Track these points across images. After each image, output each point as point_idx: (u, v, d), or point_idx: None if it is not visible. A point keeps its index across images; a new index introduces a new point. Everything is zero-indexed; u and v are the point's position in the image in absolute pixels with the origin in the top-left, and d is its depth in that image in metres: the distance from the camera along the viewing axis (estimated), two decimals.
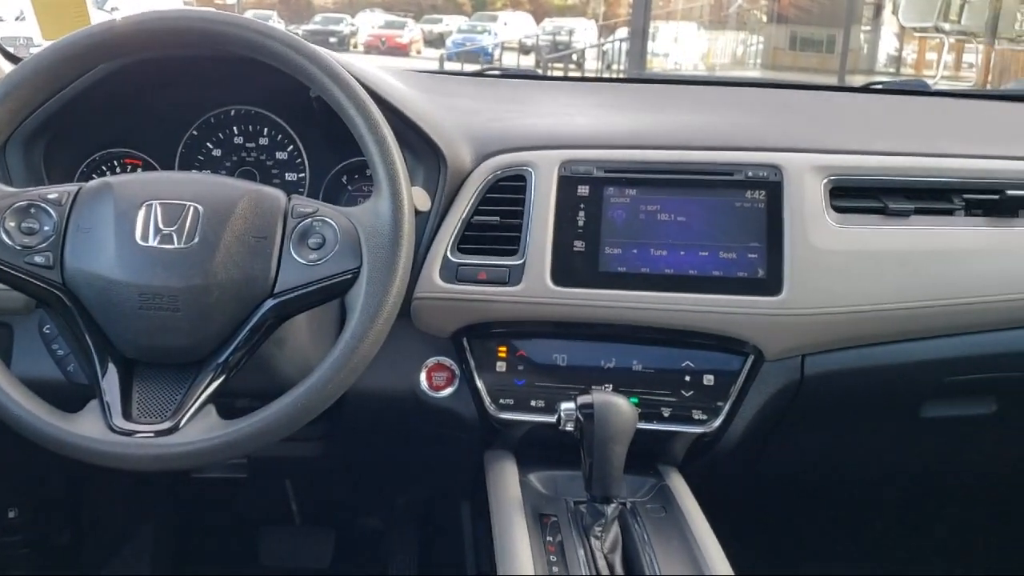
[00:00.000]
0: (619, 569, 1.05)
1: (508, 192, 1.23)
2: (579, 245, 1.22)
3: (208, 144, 1.35)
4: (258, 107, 1.35)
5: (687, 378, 1.23)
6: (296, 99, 1.20)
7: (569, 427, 1.09)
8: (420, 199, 1.08)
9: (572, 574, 1.02)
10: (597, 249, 1.22)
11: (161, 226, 0.98)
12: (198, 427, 0.96)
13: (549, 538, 1.09)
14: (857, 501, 1.82)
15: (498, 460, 1.26)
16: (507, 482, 1.19)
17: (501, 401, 1.24)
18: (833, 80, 11.04)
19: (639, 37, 10.22)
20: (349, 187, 1.35)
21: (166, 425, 0.95)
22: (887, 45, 13.12)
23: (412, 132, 1.20)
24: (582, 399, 1.08)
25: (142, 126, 1.33)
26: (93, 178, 1.16)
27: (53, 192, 1.01)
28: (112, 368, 0.98)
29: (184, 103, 1.34)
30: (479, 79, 1.85)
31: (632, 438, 1.06)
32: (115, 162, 1.35)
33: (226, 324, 0.98)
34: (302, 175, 1.36)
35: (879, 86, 1.93)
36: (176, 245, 0.97)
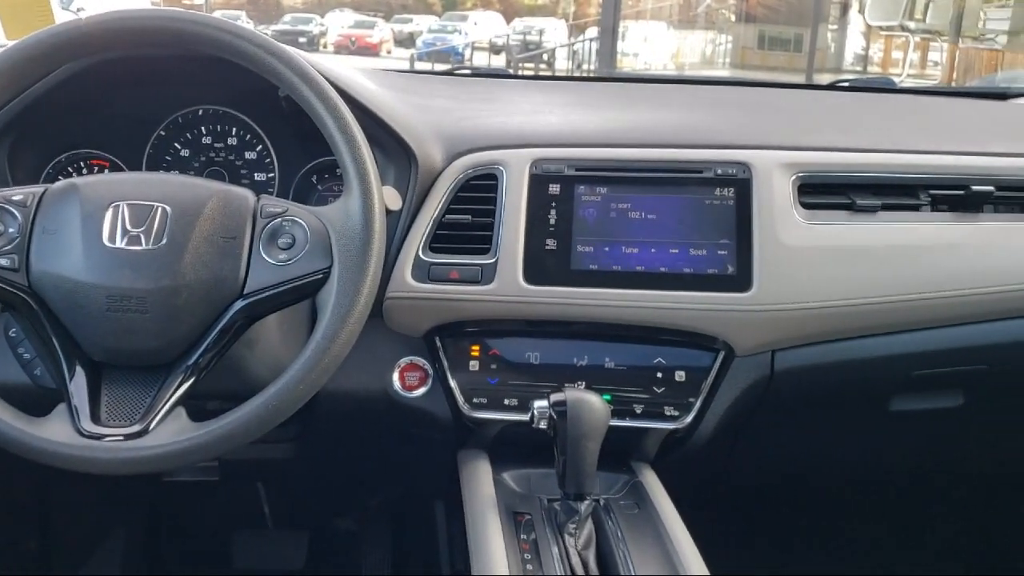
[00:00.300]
0: (593, 566, 1.05)
1: (480, 191, 1.23)
2: (551, 243, 1.22)
3: (176, 144, 1.34)
4: (227, 107, 1.34)
5: (659, 375, 1.24)
6: (265, 98, 1.19)
7: (542, 425, 1.10)
8: (391, 198, 1.08)
9: (546, 572, 1.02)
10: (569, 247, 1.22)
11: (129, 227, 0.97)
12: (168, 430, 0.95)
13: (523, 536, 1.09)
14: (829, 496, 1.84)
15: (472, 459, 1.25)
16: (481, 481, 1.19)
17: (474, 400, 1.24)
18: (801, 79, 11.13)
19: (609, 36, 10.25)
20: (319, 187, 1.35)
21: (136, 428, 0.94)
22: (854, 44, 13.24)
23: (382, 131, 1.19)
24: (555, 397, 1.08)
25: (109, 127, 1.32)
26: (59, 179, 1.15)
27: (18, 194, 1.00)
28: (80, 371, 0.97)
29: (151, 103, 1.32)
30: (450, 78, 1.85)
31: (605, 435, 1.07)
32: (81, 163, 1.33)
33: (195, 326, 0.98)
34: (271, 175, 1.35)
35: (846, 84, 1.96)
36: (144, 246, 0.96)
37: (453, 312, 1.23)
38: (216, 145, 1.35)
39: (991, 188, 1.31)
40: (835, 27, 13.26)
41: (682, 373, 1.24)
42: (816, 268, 1.23)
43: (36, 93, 1.20)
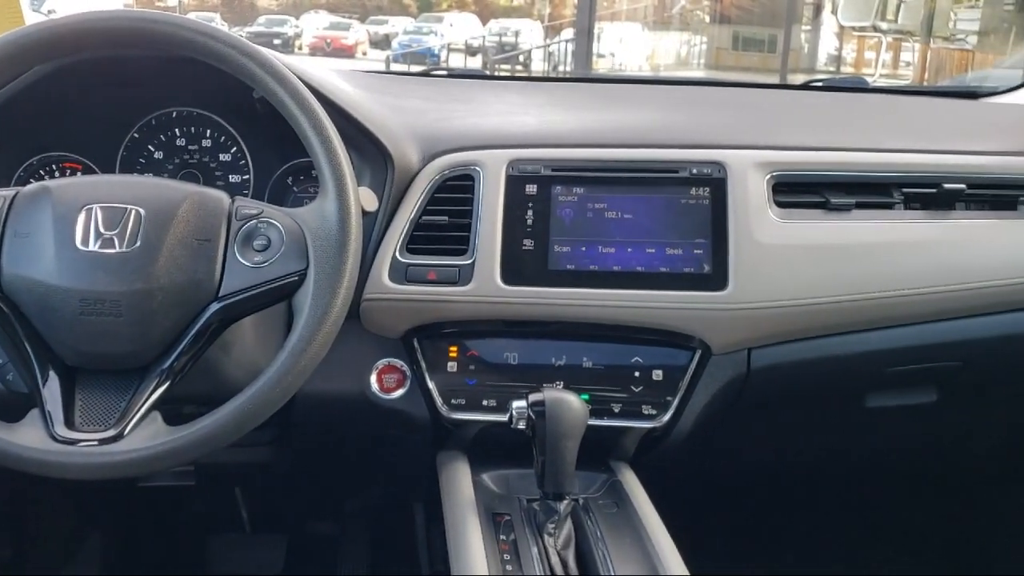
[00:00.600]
0: (572, 566, 1.05)
1: (456, 192, 1.23)
2: (528, 244, 1.22)
3: (150, 147, 1.33)
4: (200, 109, 1.33)
5: (636, 374, 1.24)
6: (239, 100, 1.18)
7: (521, 425, 1.10)
8: (367, 199, 1.07)
9: (526, 573, 1.02)
10: (546, 247, 1.22)
11: (102, 230, 0.96)
12: (143, 434, 0.94)
13: (503, 537, 1.09)
14: (806, 493, 1.85)
15: (451, 461, 1.25)
16: (460, 482, 1.19)
17: (453, 401, 1.24)
18: (775, 79, 11.20)
19: (584, 37, 10.27)
20: (295, 188, 1.34)
21: (110, 433, 0.93)
22: (827, 44, 13.34)
23: (358, 132, 1.19)
24: (533, 397, 1.08)
25: (81, 129, 1.31)
26: (31, 182, 1.13)
27: None
28: (53, 376, 0.96)
29: (124, 105, 1.31)
30: (426, 79, 1.85)
31: (583, 434, 1.07)
32: (53, 166, 1.32)
33: (170, 329, 0.97)
34: (246, 177, 1.34)
35: (819, 84, 1.97)
36: (117, 249, 0.95)
37: (431, 313, 1.22)
38: (190, 147, 1.34)
39: (962, 186, 1.32)
40: (808, 28, 13.35)
41: (659, 372, 1.25)
42: (791, 266, 1.24)
43: (6, 95, 1.19)
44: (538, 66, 15.00)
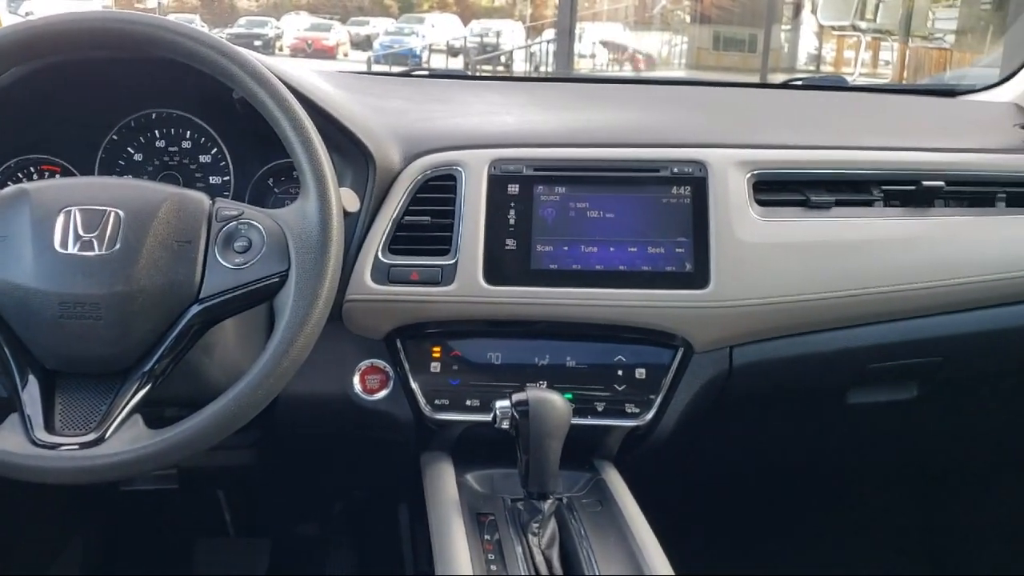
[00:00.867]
0: (556, 565, 1.05)
1: (438, 192, 1.23)
2: (511, 243, 1.22)
3: (129, 148, 1.32)
4: (180, 110, 1.32)
5: (619, 372, 1.25)
6: (219, 101, 1.18)
7: (505, 425, 1.10)
8: (349, 200, 1.07)
9: (510, 572, 1.02)
10: (528, 247, 1.22)
11: (81, 232, 0.95)
12: (124, 437, 0.93)
13: (487, 537, 1.09)
14: (788, 489, 1.86)
15: (435, 461, 1.25)
16: (444, 483, 1.19)
17: (436, 402, 1.24)
18: (755, 78, 11.25)
19: (565, 37, 10.29)
20: (276, 189, 1.33)
21: (91, 437, 0.93)
22: (807, 44, 13.41)
23: (339, 132, 1.19)
24: (517, 396, 1.08)
25: (59, 131, 1.30)
26: (8, 185, 1.12)
27: None
28: (32, 379, 0.95)
29: (103, 107, 1.30)
30: (407, 79, 1.84)
31: (567, 433, 1.07)
32: (31, 168, 1.31)
33: (151, 331, 0.96)
34: (227, 178, 1.33)
35: (799, 83, 1.98)
36: (97, 252, 0.94)
37: (413, 314, 1.22)
38: (170, 149, 1.33)
39: (941, 183, 1.33)
40: (788, 27, 13.42)
41: (642, 370, 1.25)
42: (772, 264, 1.25)
43: None
44: (520, 67, 15.00)
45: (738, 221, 1.24)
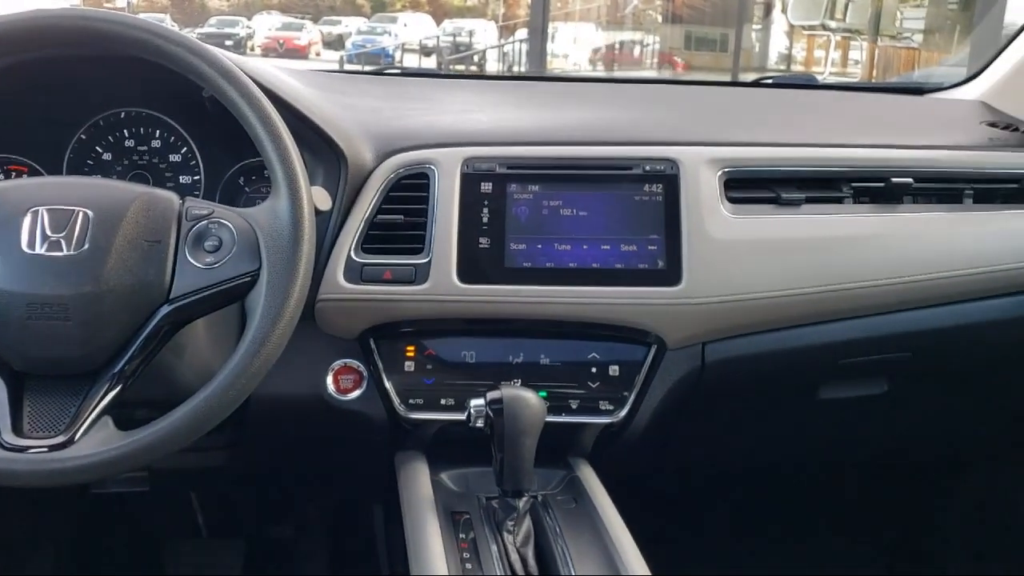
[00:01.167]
0: (532, 563, 1.05)
1: (411, 190, 1.23)
2: (484, 242, 1.22)
3: (97, 148, 1.31)
4: (150, 109, 1.31)
5: (593, 370, 1.25)
6: (189, 100, 1.17)
7: (479, 423, 1.10)
8: (320, 198, 1.07)
9: (485, 571, 1.02)
10: (502, 245, 1.22)
11: (49, 233, 0.94)
12: (94, 440, 0.92)
13: (462, 535, 1.09)
14: (762, 484, 1.87)
15: (409, 461, 1.25)
16: (418, 482, 1.19)
17: (410, 401, 1.24)
18: (727, 78, 11.31)
19: (538, 36, 10.30)
20: (247, 189, 1.32)
21: (60, 439, 0.91)
22: (778, 43, 13.52)
23: (310, 131, 1.18)
24: (491, 395, 1.08)
25: (26, 130, 1.28)
26: None
27: None
28: (0, 382, 0.94)
29: (71, 106, 1.29)
30: (379, 78, 1.84)
31: (541, 431, 1.07)
32: None
33: (120, 332, 0.95)
34: (197, 177, 1.32)
35: (770, 81, 2.00)
36: (65, 252, 0.93)
37: (387, 313, 1.22)
38: (139, 148, 1.32)
39: (910, 180, 1.34)
40: (759, 27, 13.52)
41: (616, 367, 1.25)
42: (743, 261, 1.26)
43: None
44: (493, 66, 15.01)
45: (709, 218, 1.25)
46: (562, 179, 1.25)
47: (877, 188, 1.35)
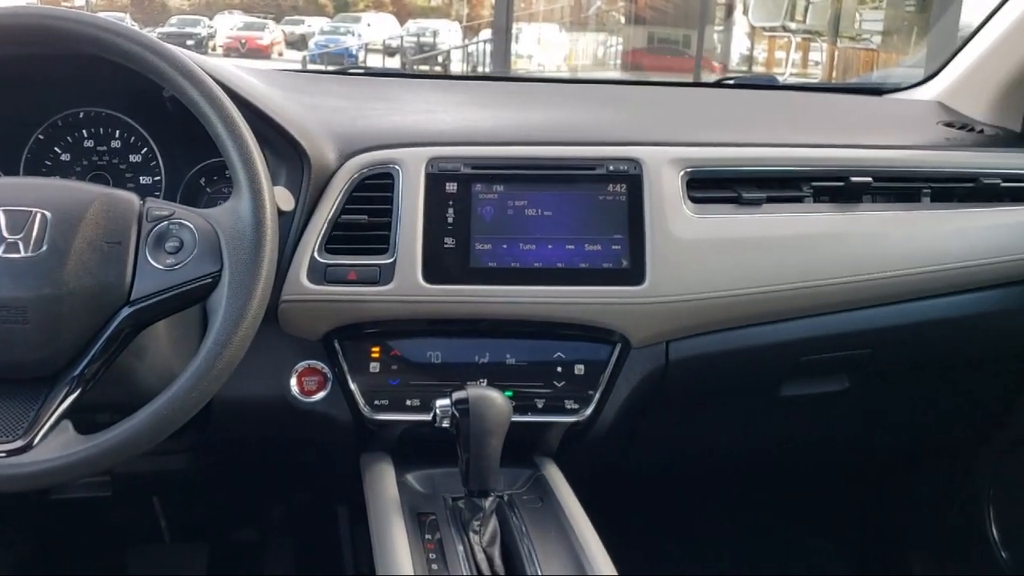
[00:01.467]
0: (498, 562, 1.05)
1: (375, 190, 1.22)
2: (449, 242, 1.22)
3: (56, 148, 1.29)
4: (109, 109, 1.29)
5: (559, 369, 1.25)
6: (149, 100, 1.16)
7: (445, 424, 1.09)
8: (283, 199, 1.06)
9: (451, 571, 1.02)
10: (467, 245, 1.22)
11: (5, 234, 0.93)
12: (53, 444, 0.91)
13: (428, 536, 1.09)
14: (726, 483, 1.89)
15: (374, 462, 1.24)
16: (384, 483, 1.18)
17: (376, 402, 1.23)
18: (689, 79, 11.40)
19: (502, 36, 10.31)
20: (208, 189, 1.31)
21: (18, 444, 0.90)
22: (739, 45, 13.64)
23: (272, 130, 1.17)
24: (457, 395, 1.08)
25: None
26: None
27: None
28: None
29: (28, 105, 1.27)
30: (342, 77, 1.83)
31: (507, 431, 1.07)
32: None
33: (80, 335, 0.94)
34: (157, 178, 1.31)
35: (731, 82, 2.02)
36: (23, 254, 0.92)
37: (351, 314, 1.21)
38: (99, 148, 1.30)
39: (869, 179, 1.36)
40: (721, 28, 13.64)
41: (581, 366, 1.26)
42: (706, 260, 1.27)
43: None
44: (457, 66, 15.00)
45: (672, 218, 1.26)
46: (527, 179, 1.25)
47: (837, 187, 1.36)
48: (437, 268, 1.21)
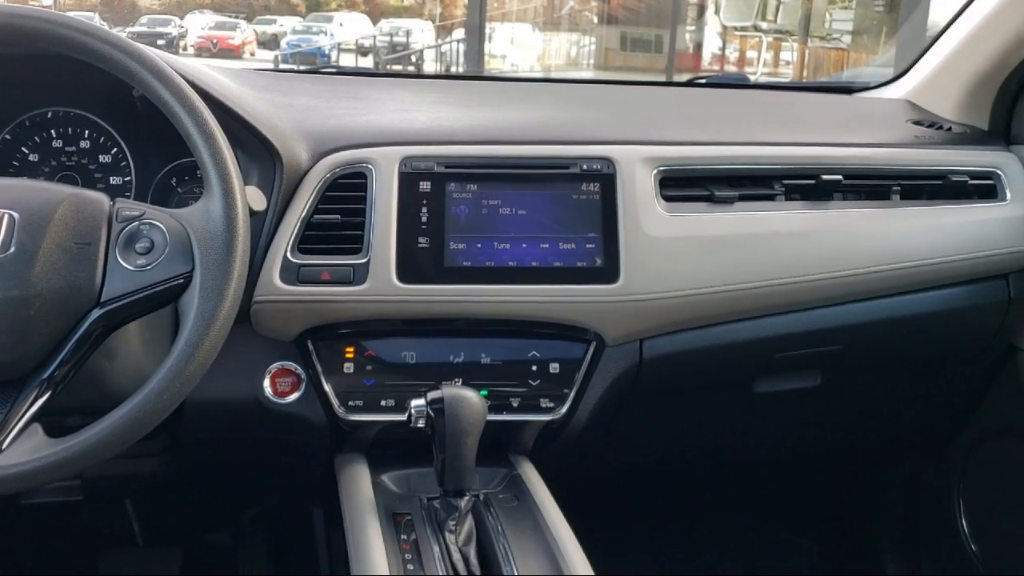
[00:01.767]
0: (474, 562, 1.05)
1: (348, 190, 1.22)
2: (423, 241, 1.22)
3: (23, 149, 1.27)
4: (78, 108, 1.28)
5: (534, 367, 1.25)
6: (119, 99, 1.15)
7: (420, 424, 1.09)
8: (255, 198, 1.05)
9: (427, 571, 1.02)
10: (441, 245, 1.22)
11: None
12: (23, 448, 0.90)
13: (404, 536, 1.08)
14: (700, 477, 1.90)
15: (349, 463, 1.24)
16: (359, 484, 1.18)
17: (350, 403, 1.23)
18: (662, 78, 11.45)
19: (475, 35, 10.30)
20: (179, 189, 1.30)
21: None
22: (711, 44, 13.72)
23: (243, 129, 1.16)
24: (432, 395, 1.08)
25: None
26: None
27: None
28: None
29: None
30: (315, 76, 1.82)
31: (483, 430, 1.07)
32: None
33: (50, 337, 0.93)
34: (128, 178, 1.29)
35: (703, 81, 2.02)
36: None
37: (325, 314, 1.21)
38: (68, 149, 1.28)
39: (839, 177, 1.38)
40: (693, 28, 13.71)
41: (556, 365, 1.26)
42: (679, 258, 1.27)
43: None
44: (430, 66, 14.98)
45: (645, 216, 1.26)
46: (501, 178, 1.25)
47: (808, 185, 1.37)
48: (411, 268, 1.20)
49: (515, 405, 1.24)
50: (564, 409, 1.26)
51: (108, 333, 0.96)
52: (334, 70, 1.89)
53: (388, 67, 14.75)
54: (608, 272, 1.24)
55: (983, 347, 1.57)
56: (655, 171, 1.30)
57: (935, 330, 1.48)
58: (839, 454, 1.88)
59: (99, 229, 0.96)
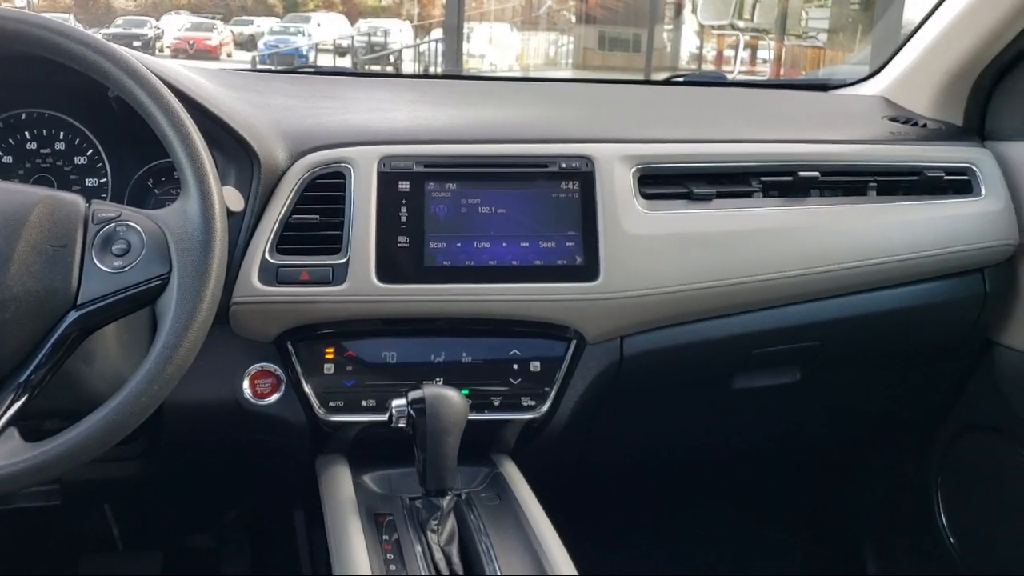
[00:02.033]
0: (456, 561, 1.05)
1: (327, 190, 1.21)
2: (403, 241, 1.21)
3: None
4: (52, 110, 1.27)
5: (515, 366, 1.25)
6: (94, 100, 1.14)
7: (401, 424, 1.09)
8: (232, 199, 1.04)
9: (409, 571, 1.02)
10: (421, 244, 1.22)
11: None
12: None
13: (385, 537, 1.08)
14: (681, 477, 1.91)
15: (330, 464, 1.23)
16: (340, 485, 1.18)
17: (331, 404, 1.22)
18: (640, 77, 11.49)
19: (453, 34, 10.29)
20: (156, 191, 1.29)
21: None
22: (689, 43, 13.77)
23: (220, 130, 1.15)
24: (413, 394, 1.07)
25: None
26: None
27: None
28: None
29: None
30: (292, 76, 1.81)
31: (464, 429, 1.07)
32: None
33: (25, 340, 0.92)
34: (104, 180, 1.28)
35: (681, 79, 2.03)
36: None
37: (304, 315, 1.20)
38: (42, 151, 1.27)
39: (816, 173, 1.39)
40: (670, 27, 13.76)
41: (537, 363, 1.26)
42: (658, 255, 1.28)
43: None
44: (408, 66, 14.95)
45: (624, 214, 1.27)
46: (480, 177, 1.25)
47: (785, 182, 1.38)
48: (391, 267, 1.20)
49: (496, 404, 1.25)
50: (545, 407, 1.26)
51: (85, 336, 0.95)
52: (312, 70, 1.88)
53: (366, 67, 14.70)
54: (588, 270, 1.24)
55: (960, 342, 1.58)
56: (634, 169, 1.30)
57: (912, 325, 1.49)
58: (818, 449, 1.90)
59: (75, 231, 0.95)
